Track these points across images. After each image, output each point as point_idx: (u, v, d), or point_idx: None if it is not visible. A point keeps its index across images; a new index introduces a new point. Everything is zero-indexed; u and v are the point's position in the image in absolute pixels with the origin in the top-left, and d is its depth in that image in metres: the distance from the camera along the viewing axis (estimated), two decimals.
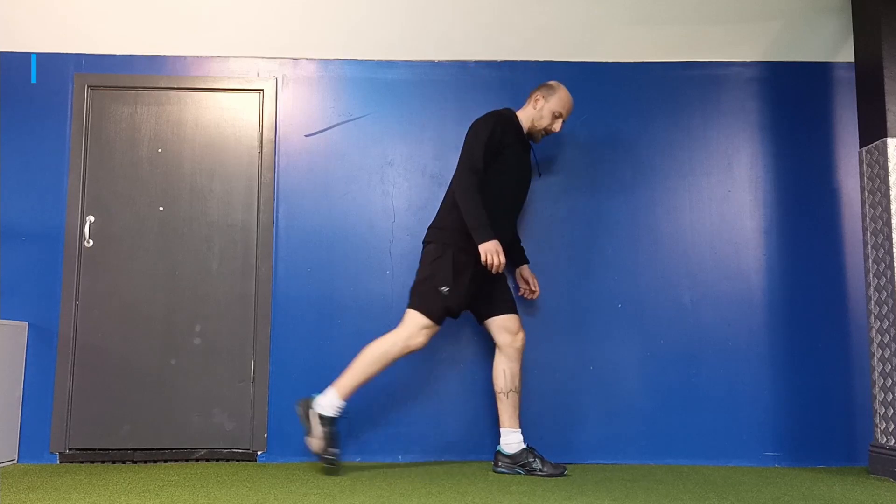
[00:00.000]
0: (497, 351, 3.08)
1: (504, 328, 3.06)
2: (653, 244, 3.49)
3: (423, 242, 3.08)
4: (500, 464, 3.03)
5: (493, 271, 2.91)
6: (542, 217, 3.50)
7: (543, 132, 3.18)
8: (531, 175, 3.23)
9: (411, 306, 2.95)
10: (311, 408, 2.90)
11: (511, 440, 3.02)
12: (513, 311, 3.10)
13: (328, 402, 2.90)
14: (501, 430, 3.05)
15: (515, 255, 3.32)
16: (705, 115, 3.58)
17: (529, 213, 3.50)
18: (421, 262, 3.05)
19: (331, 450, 2.87)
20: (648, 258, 3.48)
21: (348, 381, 2.91)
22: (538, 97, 3.15)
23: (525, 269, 3.33)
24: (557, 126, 3.16)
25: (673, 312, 3.44)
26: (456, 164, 3.17)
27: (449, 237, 2.98)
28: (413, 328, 2.91)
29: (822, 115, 3.57)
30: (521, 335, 3.07)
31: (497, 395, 3.06)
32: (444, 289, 2.91)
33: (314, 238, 3.47)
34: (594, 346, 3.42)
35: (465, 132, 3.06)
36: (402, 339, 2.91)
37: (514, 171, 3.08)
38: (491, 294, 3.08)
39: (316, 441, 2.88)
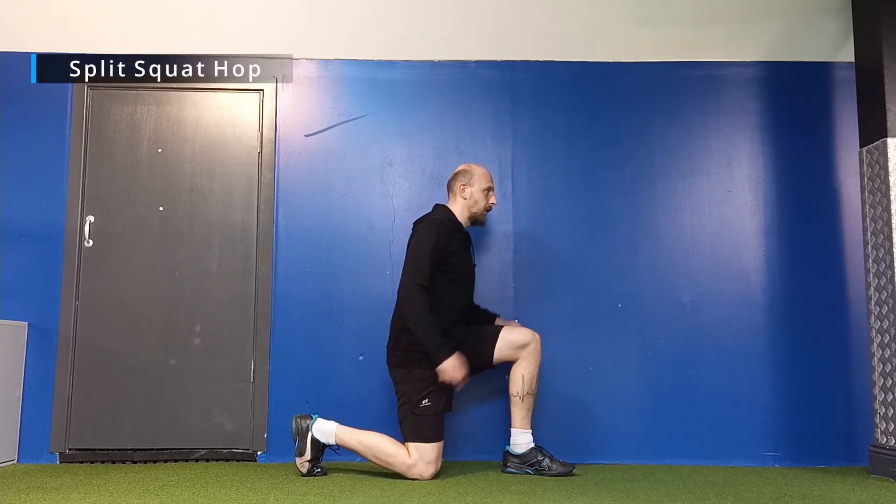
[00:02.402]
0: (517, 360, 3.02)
1: (513, 345, 2.98)
2: (653, 244, 3.49)
3: (387, 362, 3.01)
4: (509, 464, 3.02)
5: (457, 387, 2.89)
6: (542, 217, 3.50)
7: (484, 212, 3.14)
8: (474, 267, 3.18)
9: (407, 439, 2.88)
10: (310, 431, 2.88)
11: (521, 440, 3.00)
12: (496, 328, 3.03)
13: (326, 432, 2.89)
14: (512, 430, 3.02)
15: (480, 317, 3.23)
16: (705, 115, 3.58)
17: (529, 213, 3.50)
18: (395, 384, 2.99)
19: (316, 471, 2.89)
20: (648, 258, 3.48)
21: (349, 441, 2.88)
22: (461, 186, 3.09)
23: (500, 321, 3.24)
24: (493, 199, 3.14)
25: (673, 312, 3.44)
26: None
27: (406, 357, 2.92)
28: (421, 463, 2.84)
29: (822, 115, 3.57)
30: (538, 336, 3.00)
31: (512, 398, 3.00)
32: (426, 402, 2.86)
33: (314, 238, 3.47)
34: (594, 346, 3.42)
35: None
36: (410, 470, 2.83)
37: (459, 273, 3.03)
38: (474, 346, 2.98)
39: (303, 463, 2.87)
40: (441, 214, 3.08)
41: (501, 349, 2.99)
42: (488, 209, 3.15)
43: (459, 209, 3.11)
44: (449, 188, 3.17)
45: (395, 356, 2.99)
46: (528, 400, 3.00)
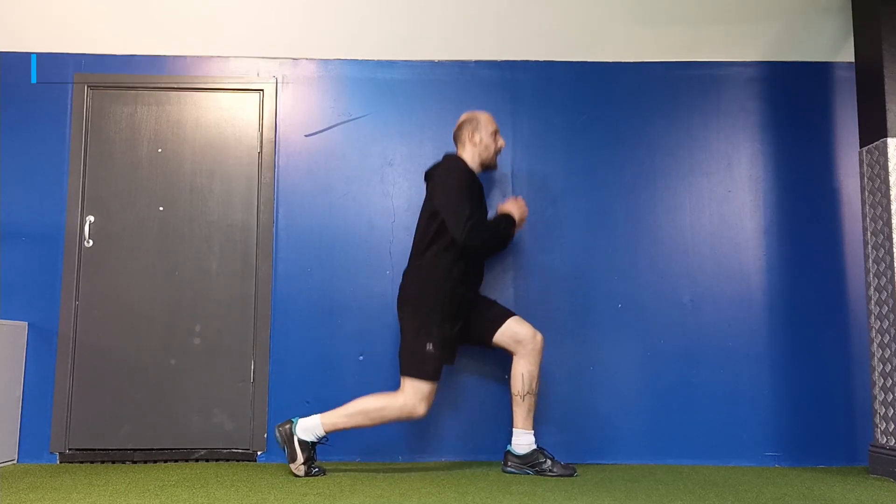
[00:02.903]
0: (515, 356, 3.03)
1: (515, 338, 3.01)
2: (653, 244, 3.49)
3: (398, 301, 3.03)
4: (509, 464, 3.02)
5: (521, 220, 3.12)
6: (542, 217, 3.50)
7: (495, 156, 3.19)
8: (488, 213, 3.20)
9: (404, 372, 2.91)
10: (294, 433, 2.87)
11: (523, 441, 3.01)
12: (509, 314, 3.07)
13: (311, 429, 2.87)
14: (514, 430, 3.03)
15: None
16: (705, 115, 3.58)
17: (530, 213, 3.49)
18: (401, 322, 3.01)
19: (314, 471, 2.88)
20: (648, 258, 3.48)
21: (337, 421, 2.88)
22: (469, 133, 3.13)
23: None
24: (501, 141, 3.20)
25: (673, 312, 3.44)
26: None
27: (427, 300, 2.94)
28: (413, 398, 2.86)
29: (822, 115, 3.57)
30: (539, 337, 3.02)
31: (513, 397, 3.02)
32: (429, 347, 2.88)
33: (314, 238, 3.47)
34: (594, 347, 3.42)
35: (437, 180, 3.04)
36: (403, 409, 2.86)
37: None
38: (479, 319, 3.04)
39: (298, 467, 2.87)
40: (456, 161, 3.09)
41: (503, 334, 3.02)
42: (498, 152, 3.20)
43: (470, 156, 3.14)
44: (457, 138, 3.20)
45: (407, 293, 2.99)
46: (529, 399, 3.00)
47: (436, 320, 2.91)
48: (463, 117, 3.20)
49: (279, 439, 2.89)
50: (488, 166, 3.21)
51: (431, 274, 2.95)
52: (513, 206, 3.13)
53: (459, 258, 2.96)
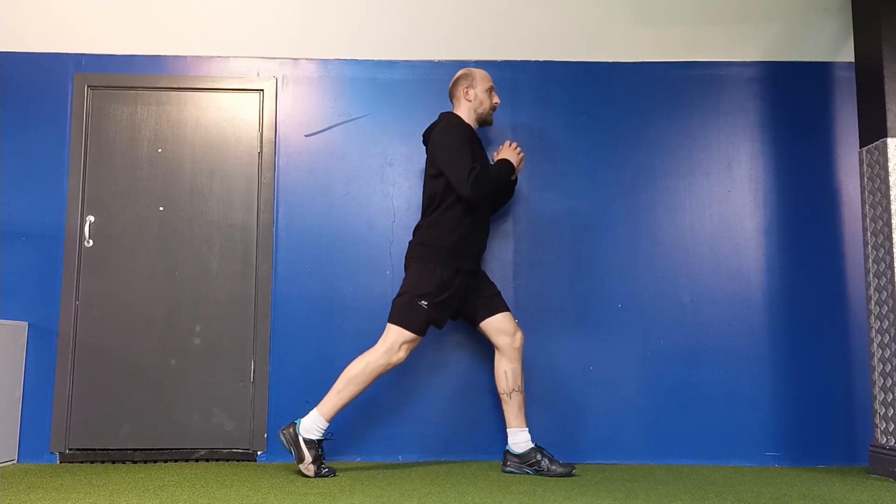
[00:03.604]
0: (497, 353, 3.07)
1: (500, 330, 3.05)
2: (653, 244, 3.49)
3: (405, 258, 3.06)
4: (508, 463, 3.03)
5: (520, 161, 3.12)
6: (542, 217, 3.50)
7: (490, 111, 3.19)
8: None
9: (391, 320, 2.95)
10: (298, 434, 2.87)
11: (519, 439, 3.02)
12: (503, 308, 3.09)
13: (313, 425, 2.88)
14: (508, 430, 3.04)
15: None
16: (705, 115, 3.58)
17: (529, 213, 3.50)
18: (405, 276, 3.03)
19: (324, 471, 2.88)
20: (648, 258, 3.48)
21: (332, 402, 2.90)
22: (464, 89, 3.14)
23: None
24: (496, 98, 3.20)
25: (673, 312, 3.44)
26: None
27: (431, 254, 2.97)
28: (393, 343, 2.91)
29: (822, 115, 3.57)
30: (519, 335, 3.06)
31: (501, 396, 3.05)
32: (423, 303, 2.91)
33: (314, 238, 3.47)
34: (594, 346, 3.42)
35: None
36: (383, 355, 2.90)
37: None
38: (477, 299, 3.07)
39: (307, 467, 2.86)
40: (453, 118, 3.10)
41: (490, 324, 3.06)
42: (493, 108, 3.20)
43: (466, 112, 3.14)
44: (452, 95, 3.20)
45: (416, 249, 3.02)
46: (516, 397, 3.02)
47: (436, 282, 2.93)
48: (458, 73, 3.20)
49: (284, 442, 2.89)
50: (484, 122, 3.20)
51: (436, 232, 2.98)
52: (508, 153, 3.13)
53: (464, 214, 2.99)
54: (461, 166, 2.92)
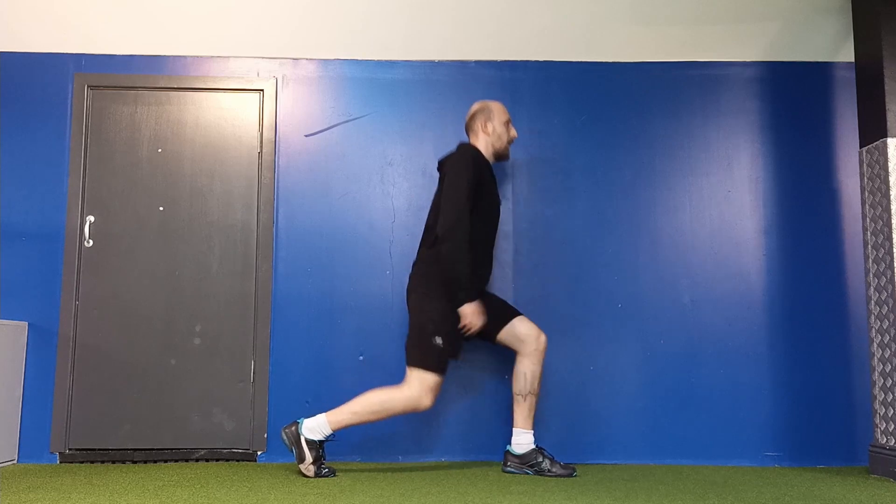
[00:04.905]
0: (519, 355, 3.03)
1: (522, 334, 3.02)
2: (653, 244, 3.49)
3: (408, 291, 3.02)
4: (509, 463, 3.03)
5: (470, 333, 2.92)
6: (542, 217, 3.50)
7: (508, 145, 3.18)
8: (500, 203, 3.19)
9: (411, 363, 2.89)
10: (300, 434, 2.85)
11: (522, 440, 3.01)
12: (515, 313, 3.08)
13: (317, 427, 2.86)
14: (514, 429, 3.03)
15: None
16: (705, 115, 3.58)
17: (530, 213, 3.50)
18: (410, 313, 3.00)
19: (324, 471, 2.87)
20: (648, 258, 3.48)
21: (343, 418, 2.86)
22: (482, 122, 3.13)
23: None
24: (514, 131, 3.19)
25: (673, 312, 3.44)
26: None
27: (433, 287, 2.93)
28: (419, 390, 2.85)
29: (822, 115, 3.57)
30: (543, 337, 3.03)
31: (515, 396, 3.03)
32: (438, 340, 2.87)
33: (314, 238, 3.47)
34: (594, 346, 3.42)
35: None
36: (409, 401, 2.84)
37: (490, 208, 3.07)
38: (487, 314, 3.02)
39: (308, 467, 2.85)
40: (475, 149, 3.07)
41: (508, 333, 3.03)
42: (511, 142, 3.20)
43: (483, 146, 3.14)
44: (469, 129, 3.20)
45: (418, 280, 2.98)
46: (530, 399, 3.01)
47: (444, 313, 2.90)
48: (475, 107, 3.19)
49: (286, 441, 2.88)
50: (501, 156, 3.20)
51: (440, 265, 2.92)
52: (470, 311, 2.89)
53: (469, 250, 2.93)
54: (457, 200, 2.88)
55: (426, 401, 2.86)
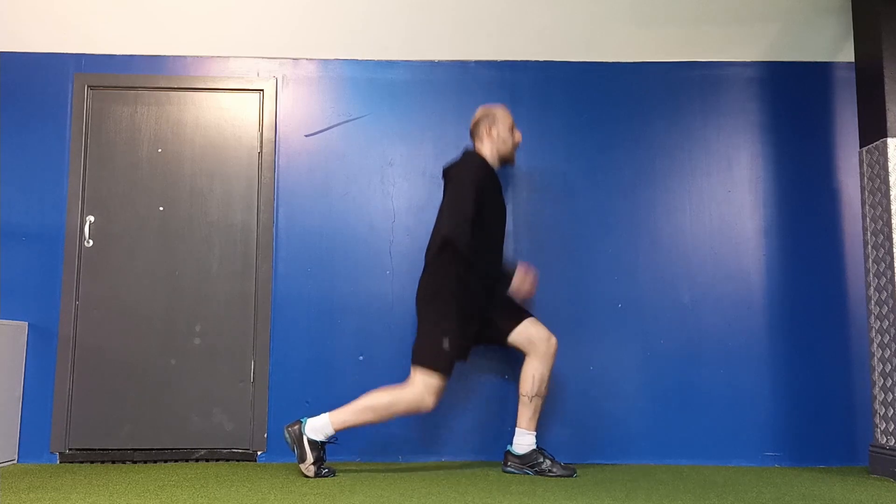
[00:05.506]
0: (528, 356, 3.03)
1: (533, 337, 3.01)
2: (653, 244, 3.49)
3: (417, 296, 3.01)
4: (509, 463, 3.03)
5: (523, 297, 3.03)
6: (542, 217, 3.50)
7: (513, 149, 3.18)
8: (505, 209, 3.18)
9: (416, 363, 2.90)
10: (303, 433, 2.85)
11: (524, 441, 3.01)
12: (526, 315, 3.07)
13: (321, 428, 2.85)
14: (517, 429, 3.03)
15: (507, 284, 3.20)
16: (705, 116, 3.58)
17: (530, 213, 3.50)
18: (418, 317, 3.00)
19: (324, 472, 2.86)
20: (648, 258, 3.48)
21: (347, 418, 2.86)
22: (486, 128, 3.13)
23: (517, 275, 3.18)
24: (518, 136, 3.19)
25: (673, 312, 3.44)
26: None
27: (447, 294, 2.93)
28: (423, 390, 2.85)
29: (822, 115, 3.57)
30: (553, 340, 3.03)
31: (521, 396, 3.02)
32: (445, 342, 2.87)
33: (314, 238, 3.47)
34: (594, 347, 3.42)
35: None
36: (412, 401, 2.85)
37: (499, 216, 3.08)
38: (499, 318, 3.04)
39: (308, 468, 2.85)
40: (479, 157, 3.07)
41: (519, 335, 3.03)
42: (516, 146, 3.20)
43: (489, 151, 3.14)
44: (474, 134, 3.20)
45: (425, 289, 2.99)
46: (536, 401, 3.00)
47: (453, 316, 2.91)
48: (479, 113, 3.19)
49: (288, 440, 2.87)
50: (507, 160, 3.19)
51: (448, 271, 2.94)
52: (521, 280, 3.03)
53: (479, 247, 2.95)
54: (458, 212, 2.88)
55: (429, 401, 2.86)
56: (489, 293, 3.05)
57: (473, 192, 2.91)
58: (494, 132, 3.13)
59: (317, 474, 2.85)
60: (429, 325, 2.93)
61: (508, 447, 3.05)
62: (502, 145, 3.14)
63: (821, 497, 2.56)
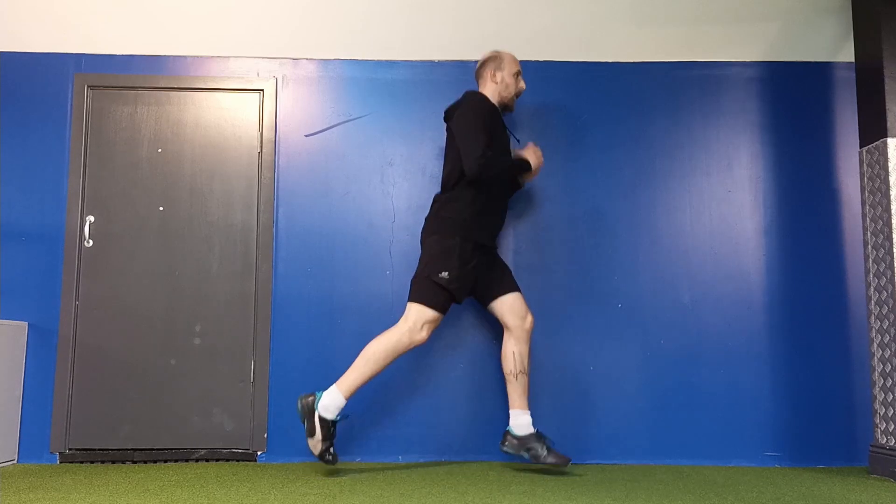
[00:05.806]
0: (506, 333, 3.08)
1: (511, 310, 3.06)
2: (653, 244, 3.49)
3: (422, 233, 3.07)
4: (507, 443, 3.03)
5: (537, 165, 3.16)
6: (542, 217, 3.50)
7: (515, 97, 3.21)
8: (509, 144, 3.23)
9: (411, 299, 2.95)
10: (315, 410, 2.86)
11: (521, 421, 3.03)
12: (516, 288, 3.11)
13: (331, 403, 2.86)
14: (511, 410, 3.05)
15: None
16: (705, 115, 3.58)
17: (530, 213, 3.50)
18: (422, 252, 3.04)
19: (331, 451, 2.86)
20: (648, 258, 3.48)
21: (352, 379, 2.89)
22: (491, 72, 3.16)
23: None
24: (522, 83, 3.21)
25: (673, 312, 3.44)
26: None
27: (449, 226, 2.98)
28: (415, 322, 2.90)
29: (822, 115, 3.57)
30: (529, 317, 3.08)
31: (506, 376, 3.07)
32: (444, 274, 2.91)
33: (314, 238, 3.47)
34: (594, 347, 3.42)
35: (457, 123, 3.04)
36: (405, 333, 2.89)
37: (504, 151, 3.11)
38: (491, 278, 3.09)
39: (315, 444, 2.85)
40: (475, 95, 3.10)
41: (502, 303, 3.08)
42: (518, 94, 3.22)
43: (490, 93, 3.16)
44: (479, 76, 3.22)
45: (434, 222, 3.03)
46: (522, 378, 3.03)
47: (456, 251, 2.94)
48: (486, 55, 3.21)
49: (300, 411, 2.87)
50: (506, 107, 3.22)
51: (455, 205, 3.00)
52: (530, 154, 3.17)
53: (483, 190, 3.01)
54: (474, 145, 2.92)
55: (423, 333, 2.90)
56: (492, 246, 3.11)
57: (482, 124, 2.95)
58: (499, 76, 3.16)
59: (321, 454, 2.83)
60: (430, 256, 2.97)
61: (507, 428, 3.06)
62: (505, 90, 3.16)
63: (821, 497, 2.56)
